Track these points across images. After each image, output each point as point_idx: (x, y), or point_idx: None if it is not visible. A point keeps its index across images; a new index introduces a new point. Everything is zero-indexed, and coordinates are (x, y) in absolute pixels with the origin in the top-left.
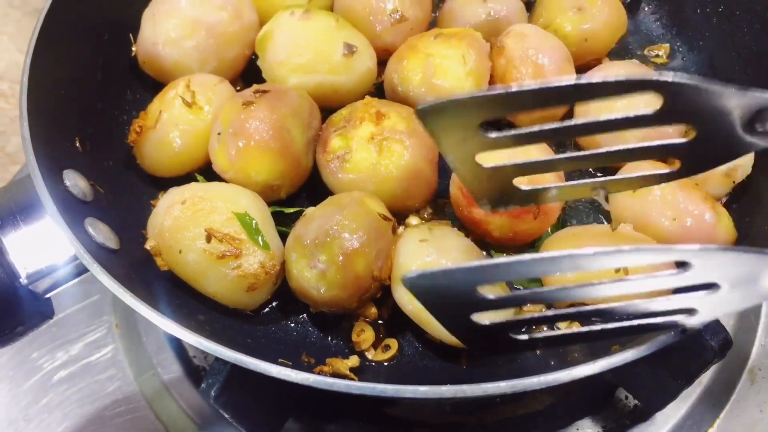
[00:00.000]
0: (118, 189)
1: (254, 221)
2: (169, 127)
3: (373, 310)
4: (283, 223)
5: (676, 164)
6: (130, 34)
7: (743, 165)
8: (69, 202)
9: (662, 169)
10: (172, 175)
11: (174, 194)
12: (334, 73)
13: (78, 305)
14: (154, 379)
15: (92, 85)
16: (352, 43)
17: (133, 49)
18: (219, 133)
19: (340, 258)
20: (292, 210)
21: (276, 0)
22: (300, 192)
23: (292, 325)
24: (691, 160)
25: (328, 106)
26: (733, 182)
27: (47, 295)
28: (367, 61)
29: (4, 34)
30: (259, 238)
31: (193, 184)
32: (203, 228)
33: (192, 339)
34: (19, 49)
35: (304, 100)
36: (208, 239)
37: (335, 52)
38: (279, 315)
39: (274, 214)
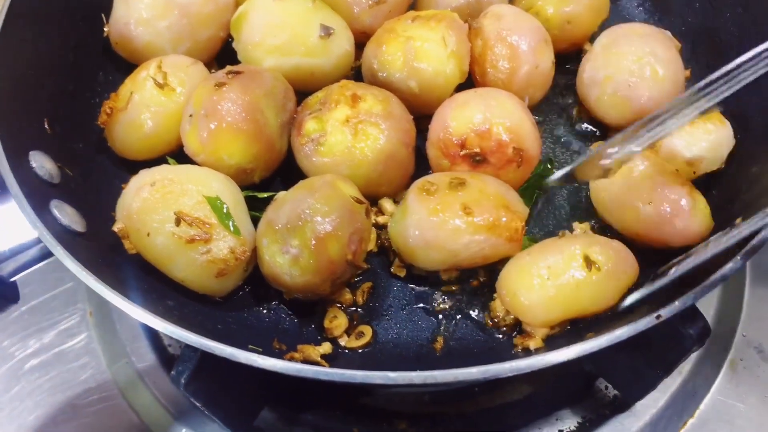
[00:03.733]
0: (88, 172)
1: (225, 205)
2: (140, 109)
3: (348, 296)
4: (257, 207)
5: None
6: (103, 15)
7: (708, 158)
8: (34, 184)
9: None
10: (144, 158)
11: (143, 176)
12: (310, 55)
13: (51, 292)
14: (127, 367)
15: (63, 66)
16: (329, 25)
17: (105, 29)
18: (191, 115)
19: (313, 242)
20: (265, 195)
21: None
22: (274, 176)
23: (264, 311)
24: None
25: (304, 90)
26: (694, 172)
27: (12, 279)
28: (345, 43)
29: None
30: (230, 223)
31: (163, 166)
32: (173, 211)
33: (158, 324)
34: None
35: (279, 81)
36: (178, 222)
37: (312, 33)
38: (251, 301)
39: (247, 199)
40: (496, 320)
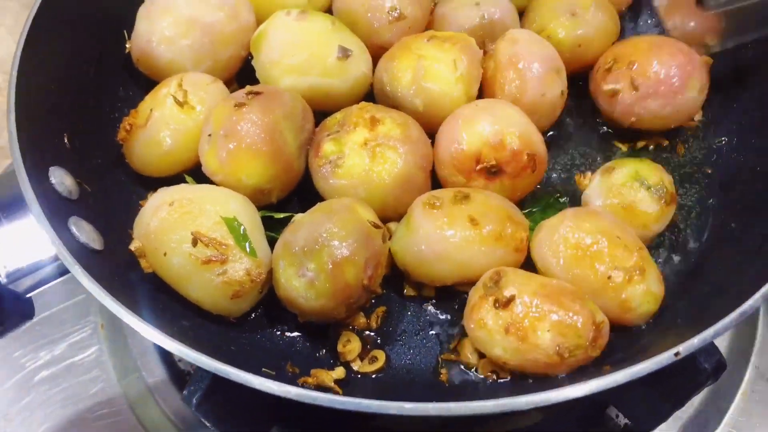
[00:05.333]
0: (106, 188)
1: (242, 227)
2: (159, 126)
3: (362, 320)
4: (273, 228)
5: None
6: (125, 31)
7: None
8: (54, 200)
9: None
10: (162, 174)
11: (162, 195)
12: (327, 75)
13: (63, 304)
14: (138, 382)
15: (84, 81)
16: (347, 47)
17: (127, 45)
18: (209, 135)
19: (330, 266)
20: (282, 215)
21: (274, 0)
22: (291, 196)
23: (278, 333)
24: None
25: (321, 110)
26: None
27: (28, 295)
28: (362, 66)
29: (2, 26)
30: (247, 245)
31: (182, 185)
32: (190, 231)
33: (173, 347)
34: (16, 42)
35: (298, 102)
36: (194, 243)
37: (330, 54)
38: (265, 322)
39: (264, 219)
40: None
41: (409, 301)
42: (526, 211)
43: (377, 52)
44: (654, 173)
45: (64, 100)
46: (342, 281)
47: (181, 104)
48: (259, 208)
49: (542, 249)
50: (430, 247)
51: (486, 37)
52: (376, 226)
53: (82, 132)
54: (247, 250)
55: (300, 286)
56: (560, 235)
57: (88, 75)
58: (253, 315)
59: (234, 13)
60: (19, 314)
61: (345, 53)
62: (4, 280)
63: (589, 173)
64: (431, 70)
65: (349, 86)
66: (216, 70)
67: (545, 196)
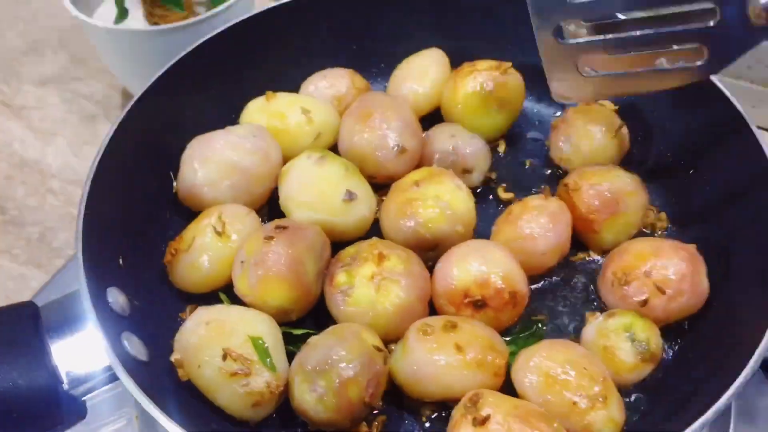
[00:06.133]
0: (151, 302)
1: (266, 345)
2: (200, 252)
3: (364, 429)
4: (291, 342)
5: (705, 54)
6: (171, 173)
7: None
8: (109, 318)
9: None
10: (199, 292)
11: (201, 314)
12: (332, 214)
13: (103, 396)
14: None
15: (140, 209)
16: (354, 191)
17: (174, 184)
18: (242, 261)
19: (336, 385)
20: (300, 332)
21: (295, 148)
22: (308, 314)
23: None
24: (717, 47)
25: (332, 240)
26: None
27: (83, 398)
28: (364, 209)
29: (61, 137)
30: (268, 361)
31: (218, 306)
32: (221, 347)
33: None
34: (73, 153)
35: (319, 236)
36: (224, 358)
37: (337, 196)
38: (279, 424)
39: (284, 335)
40: None
41: (408, 413)
42: (511, 337)
43: (386, 181)
44: (645, 331)
45: (122, 226)
46: (346, 398)
47: (219, 234)
48: (280, 325)
49: (519, 374)
50: (421, 369)
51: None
52: (379, 350)
53: (133, 253)
54: (268, 365)
55: (311, 400)
56: (534, 363)
57: (144, 204)
58: (271, 417)
59: (266, 155)
60: (75, 415)
61: (351, 197)
62: (66, 387)
63: (598, 313)
64: (453, 199)
65: (351, 225)
66: (250, 202)
67: (530, 323)
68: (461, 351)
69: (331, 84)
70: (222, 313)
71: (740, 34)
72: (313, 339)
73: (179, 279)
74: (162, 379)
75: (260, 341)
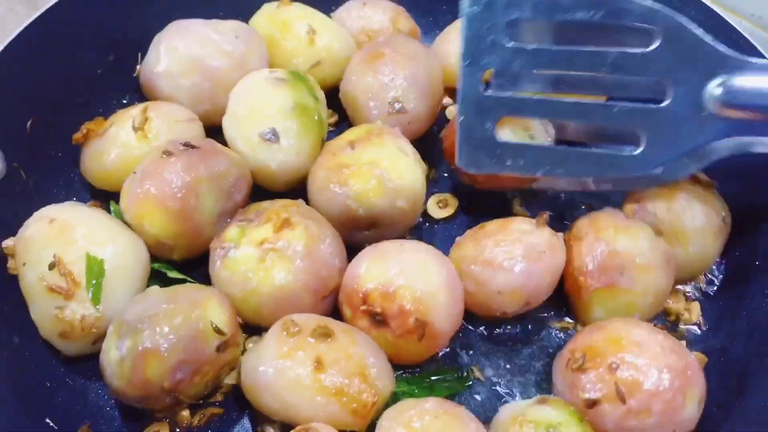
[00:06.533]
0: (43, 179)
1: (103, 274)
2: (111, 142)
3: (185, 414)
4: (165, 283)
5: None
6: (139, 54)
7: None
8: None
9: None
10: (100, 187)
11: (50, 209)
12: (250, 148)
13: None
14: None
15: (87, 79)
16: (279, 132)
17: (138, 68)
18: (135, 173)
19: (138, 351)
20: (175, 275)
21: (288, 68)
22: (202, 260)
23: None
24: (657, 133)
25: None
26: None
27: None
28: (287, 157)
29: None
30: (91, 290)
31: (75, 206)
32: (53, 254)
33: None
34: None
35: (234, 168)
36: (51, 267)
37: (259, 129)
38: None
39: (156, 272)
40: None
41: (248, 421)
42: (415, 374)
43: None
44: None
45: (47, 89)
46: (141, 372)
47: (136, 129)
48: (159, 261)
49: (384, 423)
50: (265, 374)
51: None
52: (219, 332)
53: (53, 125)
54: (90, 296)
55: (113, 359)
56: (403, 419)
57: (92, 76)
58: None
59: (241, 62)
60: None
61: (270, 136)
62: None
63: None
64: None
65: (273, 169)
66: (213, 113)
67: (456, 369)
68: (320, 369)
69: (366, 14)
70: (77, 215)
71: (689, 123)
72: (153, 288)
73: (83, 165)
74: None
75: (96, 266)
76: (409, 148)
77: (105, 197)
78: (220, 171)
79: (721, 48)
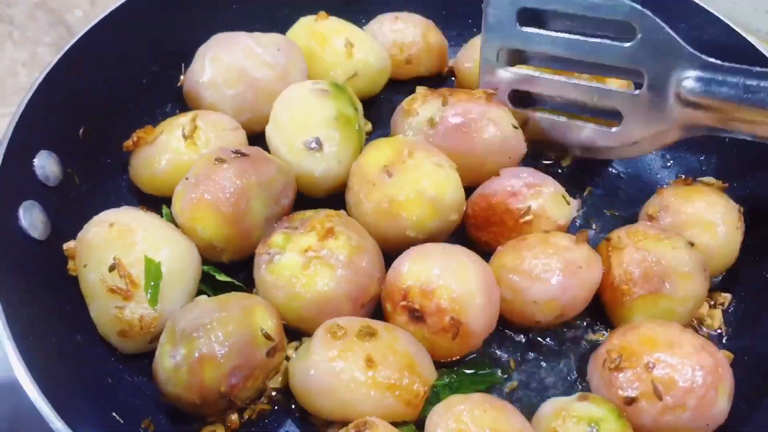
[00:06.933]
0: (94, 186)
1: (161, 276)
2: (162, 149)
3: (234, 417)
4: (215, 287)
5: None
6: (183, 64)
7: None
8: (24, 178)
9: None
10: (150, 192)
11: (109, 214)
12: (294, 156)
13: None
14: None
15: (130, 89)
16: (323, 142)
17: (182, 77)
18: (187, 178)
19: (194, 358)
20: (224, 278)
21: (326, 79)
22: (248, 262)
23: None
24: (634, 113)
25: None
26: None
27: None
28: (329, 167)
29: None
30: (149, 292)
31: (134, 212)
32: (114, 256)
33: None
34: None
35: (282, 175)
36: (111, 269)
37: (303, 137)
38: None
39: (206, 275)
40: None
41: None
42: (456, 367)
43: None
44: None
45: (98, 97)
46: (199, 378)
47: (186, 137)
48: (207, 264)
49: (434, 417)
50: (318, 378)
51: None
52: (268, 338)
53: (102, 131)
54: (148, 297)
55: (168, 366)
56: (453, 413)
57: (138, 85)
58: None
59: (283, 73)
60: None
61: (314, 145)
62: None
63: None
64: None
65: (318, 177)
66: (255, 123)
67: (489, 365)
68: (372, 366)
69: (399, 28)
70: (135, 220)
71: (659, 108)
72: (201, 298)
73: (133, 171)
74: (56, 265)
75: (154, 268)
76: (442, 158)
77: (152, 202)
78: (268, 177)
79: (690, 48)
